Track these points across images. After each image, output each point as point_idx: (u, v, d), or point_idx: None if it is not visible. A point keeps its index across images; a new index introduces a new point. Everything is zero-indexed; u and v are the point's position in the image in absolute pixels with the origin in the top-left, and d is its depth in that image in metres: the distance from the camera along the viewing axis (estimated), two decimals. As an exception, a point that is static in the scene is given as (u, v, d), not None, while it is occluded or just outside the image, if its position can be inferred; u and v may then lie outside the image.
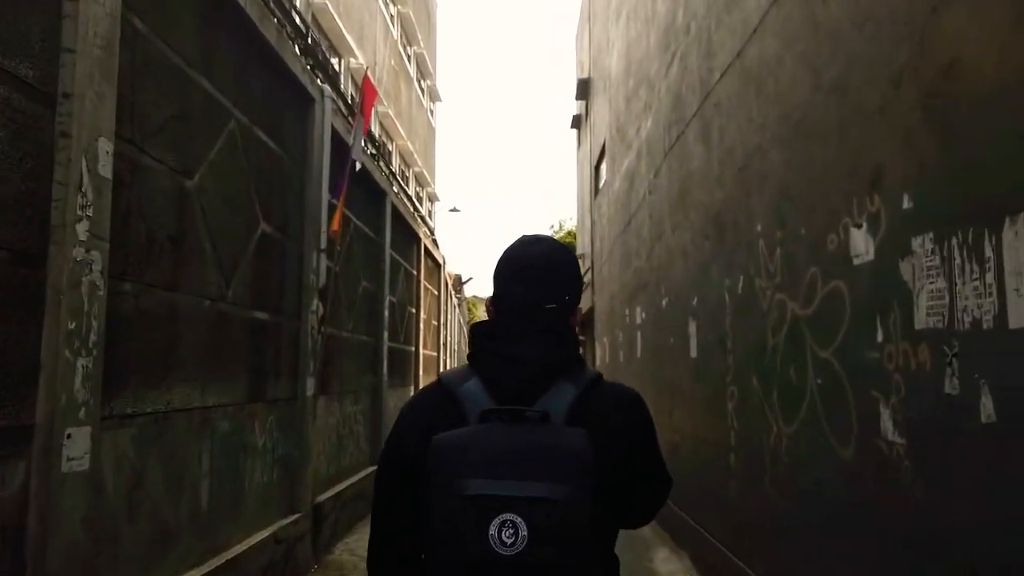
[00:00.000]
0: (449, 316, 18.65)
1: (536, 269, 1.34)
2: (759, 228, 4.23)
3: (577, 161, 18.08)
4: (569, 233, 39.28)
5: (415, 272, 11.60)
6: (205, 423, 3.99)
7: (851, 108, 3.07)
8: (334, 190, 6.26)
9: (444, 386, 1.30)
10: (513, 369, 1.26)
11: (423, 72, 29.49)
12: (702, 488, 5.56)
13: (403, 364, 10.46)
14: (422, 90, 29.36)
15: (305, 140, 5.79)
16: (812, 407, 3.44)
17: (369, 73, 18.06)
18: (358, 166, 6.73)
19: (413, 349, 11.40)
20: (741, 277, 4.56)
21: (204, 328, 3.99)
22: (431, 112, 32.01)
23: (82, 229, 2.76)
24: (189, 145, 3.83)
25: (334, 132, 6.35)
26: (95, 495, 2.90)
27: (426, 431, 1.21)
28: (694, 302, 5.81)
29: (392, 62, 22.57)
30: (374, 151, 9.03)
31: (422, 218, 13.12)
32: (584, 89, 15.20)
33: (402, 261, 10.38)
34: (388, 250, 8.92)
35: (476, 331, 1.35)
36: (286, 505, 5.29)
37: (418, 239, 11.76)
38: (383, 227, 8.78)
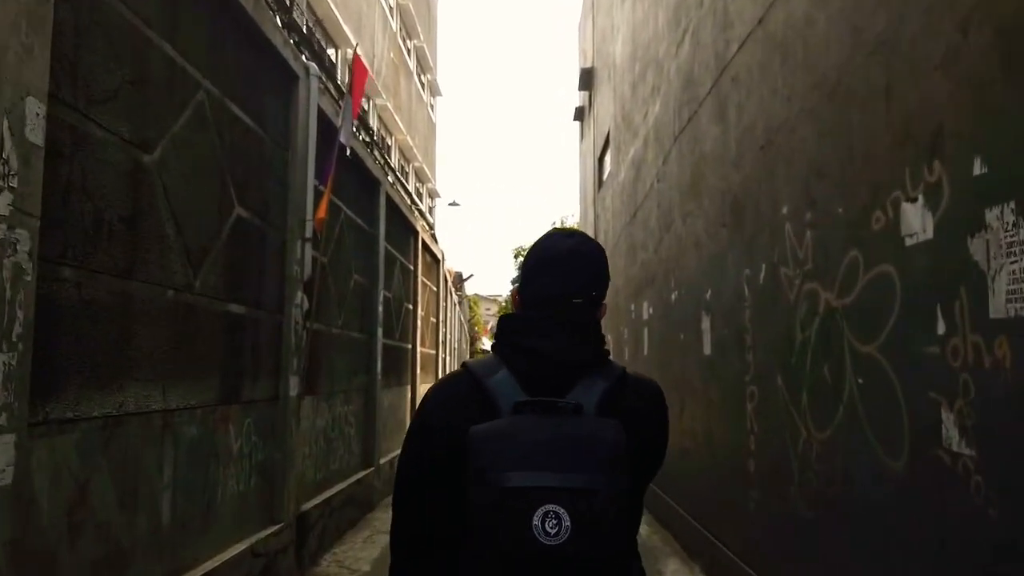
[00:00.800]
0: (449, 313, 18.24)
1: (567, 262, 1.33)
2: (785, 211, 3.80)
3: (580, 154, 17.65)
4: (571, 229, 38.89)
5: (412, 267, 11.19)
6: (167, 428, 3.58)
7: (902, 66, 2.65)
8: (321, 175, 5.84)
9: (473, 376, 1.28)
10: (544, 361, 1.26)
11: (423, 66, 29.04)
12: (717, 496, 5.15)
13: (399, 363, 10.05)
14: (422, 84, 28.91)
15: (288, 120, 5.38)
16: (851, 410, 3.02)
17: (366, 62, 17.64)
18: (348, 151, 6.31)
19: (410, 347, 10.99)
20: (763, 266, 4.14)
21: (167, 321, 3.58)
22: (431, 107, 31.56)
23: (3, 202, 2.35)
24: (148, 115, 3.41)
25: (321, 114, 5.94)
26: (23, 514, 2.49)
27: (460, 423, 1.20)
28: (708, 295, 5.39)
29: (391, 55, 22.14)
30: (367, 138, 8.61)
31: (420, 212, 12.71)
32: (587, 79, 14.77)
33: (398, 255, 9.97)
34: (382, 243, 8.50)
35: (504, 323, 1.35)
36: (266, 515, 4.88)
37: (415, 233, 11.35)
38: (377, 218, 8.37)
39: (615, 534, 1.12)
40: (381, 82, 20.21)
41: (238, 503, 4.45)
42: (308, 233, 5.58)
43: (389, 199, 9.06)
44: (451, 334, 21.52)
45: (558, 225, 41.01)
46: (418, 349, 11.41)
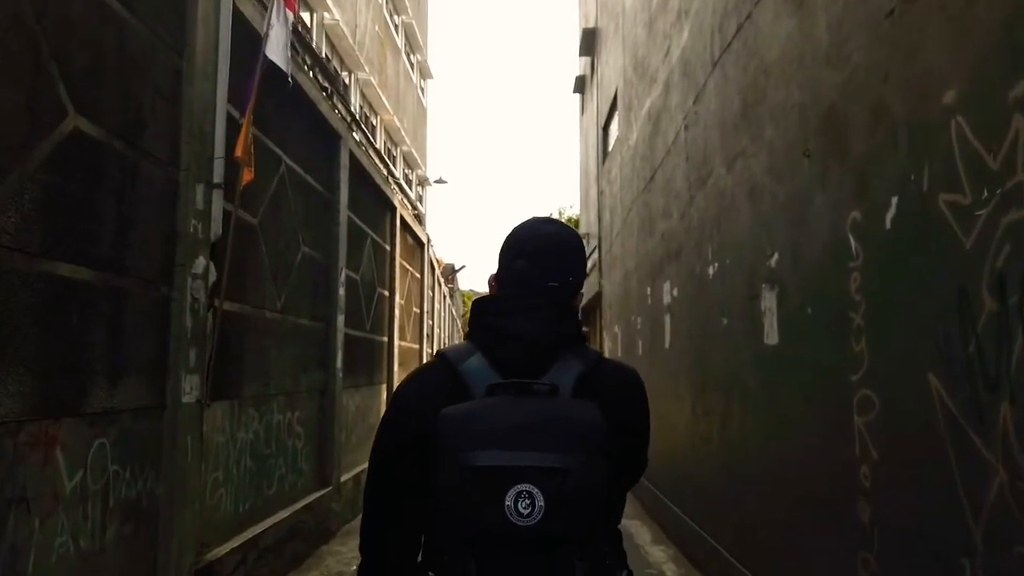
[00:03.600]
0: (437, 304, 16.67)
1: (543, 247, 1.33)
2: (950, 98, 2.26)
3: (580, 130, 16.12)
4: (570, 220, 37.41)
5: (388, 247, 9.63)
6: None
7: None
8: (240, 102, 4.29)
9: (447, 361, 1.25)
10: (518, 343, 1.24)
11: (412, 45, 27.42)
12: (784, 540, 3.62)
13: (370, 358, 8.49)
14: (411, 64, 27.29)
15: (184, 13, 3.82)
16: None
17: (347, 31, 16.05)
18: (289, 79, 4.73)
19: (385, 339, 9.44)
20: (895, 200, 2.60)
21: None
22: (422, 90, 29.93)
23: None
24: None
25: (240, 17, 4.39)
26: None
27: (432, 407, 1.16)
28: (772, 261, 3.86)
29: (376, 28, 20.55)
30: (326, 86, 7.04)
31: (399, 186, 11.14)
32: (589, 42, 13.22)
33: (368, 230, 8.41)
34: (345, 211, 6.95)
35: (478, 306, 1.32)
36: (135, 579, 3.34)
37: (392, 208, 9.79)
38: (337, 180, 6.81)
39: (589, 515, 1.09)
40: (364, 55, 18.62)
41: (78, 571, 2.90)
42: (217, 177, 4.02)
43: (355, 160, 7.50)
44: (441, 328, 19.96)
45: (556, 216, 39.52)
46: (396, 342, 9.86)
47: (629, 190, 9.05)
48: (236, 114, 4.29)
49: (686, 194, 5.89)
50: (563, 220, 30.54)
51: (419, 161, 26.43)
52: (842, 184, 3.03)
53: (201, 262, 3.85)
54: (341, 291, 6.79)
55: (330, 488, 6.45)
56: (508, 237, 1.36)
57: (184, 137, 3.73)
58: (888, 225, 2.65)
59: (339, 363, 6.72)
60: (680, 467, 6.08)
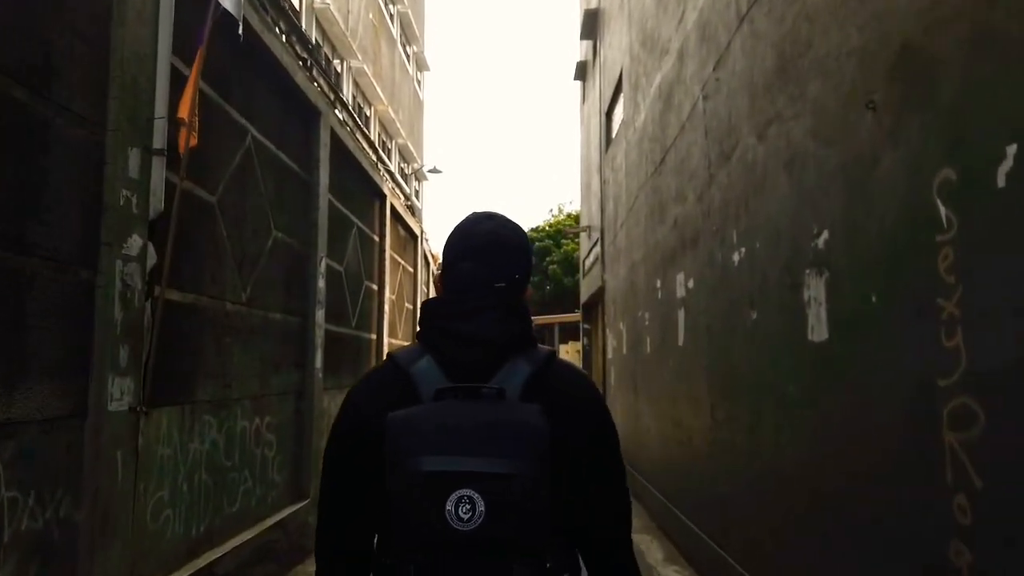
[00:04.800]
0: (432, 301, 16.04)
1: (487, 245, 1.30)
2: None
3: (581, 119, 15.48)
4: (569, 216, 36.74)
5: (377, 237, 9.00)
6: None
7: None
8: (186, 53, 3.66)
9: (396, 365, 1.24)
10: (466, 346, 1.22)
11: (408, 36, 26.74)
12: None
13: (356, 356, 7.85)
14: (407, 56, 26.60)
15: (112, -57, 3.18)
16: None
17: (339, 17, 15.37)
18: (240, 28, 4.09)
19: (373, 337, 8.80)
20: (1012, 148, 1.97)
21: None
22: (418, 83, 29.25)
23: None
24: None
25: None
26: None
27: (380, 410, 1.15)
28: (820, 241, 3.23)
29: (370, 16, 19.88)
30: (304, 57, 6.40)
31: (389, 173, 10.50)
32: (591, 23, 12.58)
33: (355, 219, 7.77)
34: (325, 195, 6.31)
35: (427, 308, 1.29)
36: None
37: (382, 196, 9.15)
38: (316, 160, 6.17)
39: (533, 520, 1.08)
40: (357, 43, 17.97)
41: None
42: (157, 142, 3.39)
43: (338, 141, 6.87)
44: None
45: (556, 212, 38.85)
46: (386, 340, 9.23)
47: (636, 176, 8.40)
48: (184, 69, 3.66)
49: (704, 173, 5.26)
50: (563, 215, 29.95)
51: (415, 155, 25.78)
52: (926, 137, 2.40)
53: (136, 241, 3.22)
54: (321, 283, 6.15)
55: (308, 501, 5.83)
56: (451, 235, 1.35)
57: (112, 91, 3.10)
58: (1002, 182, 2.01)
59: (318, 362, 6.09)
60: (696, 478, 5.46)
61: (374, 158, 9.23)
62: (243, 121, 4.68)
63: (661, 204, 6.88)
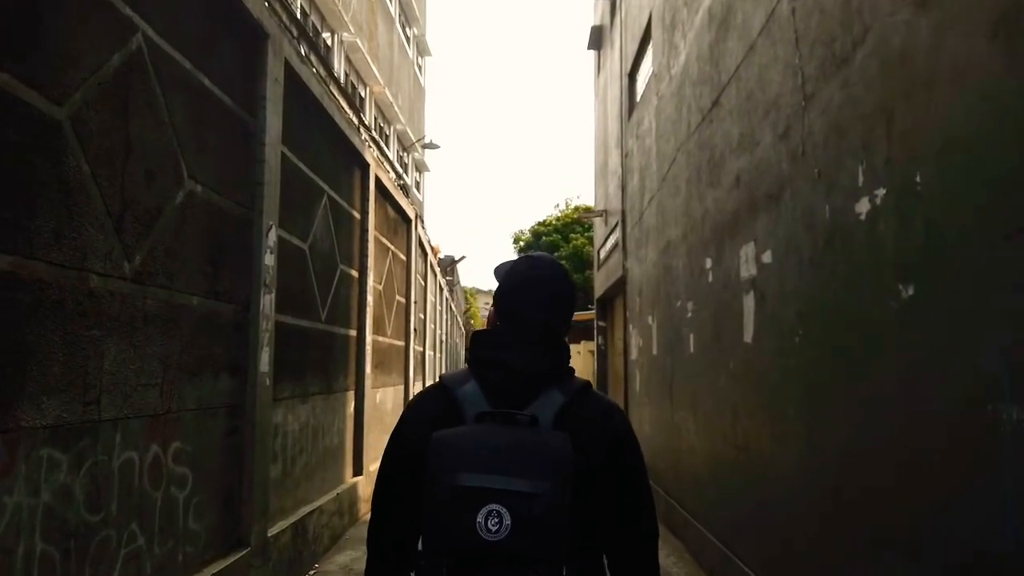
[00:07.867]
0: (431, 297, 14.50)
1: (537, 286, 1.49)
2: None
3: (596, 92, 13.93)
4: (576, 209, 35.21)
5: (357, 214, 7.48)
6: None
7: None
8: None
9: (445, 387, 1.43)
10: (508, 375, 1.38)
11: (408, 17, 25.22)
12: None
13: (326, 357, 6.33)
14: (407, 39, 25.08)
15: None
16: None
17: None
18: None
19: (353, 333, 7.28)
20: None
21: None
22: (419, 68, 27.71)
23: None
24: None
25: None
26: None
27: (428, 427, 1.31)
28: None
29: (366, -10, 18.36)
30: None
31: (375, 140, 8.98)
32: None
33: (324, 185, 6.25)
34: (275, 145, 4.80)
35: (477, 338, 1.47)
36: None
37: (364, 165, 7.64)
38: (261, 96, 4.66)
39: (552, 534, 1.19)
40: (350, 15, 16.46)
41: None
42: None
43: (295, 78, 5.36)
44: (439, 326, 17.79)
45: (562, 207, 37.39)
46: (369, 337, 7.71)
47: (673, 135, 6.85)
48: None
49: (793, 98, 3.72)
50: (569, 209, 29.09)
51: (416, 145, 24.25)
52: None
53: None
54: (268, 259, 4.64)
55: (247, 550, 4.31)
56: (505, 275, 1.53)
57: None
58: None
59: (264, 365, 4.57)
60: (775, 527, 3.93)
61: (356, 120, 7.71)
62: (126, 9, 3.17)
63: (713, 160, 5.33)
